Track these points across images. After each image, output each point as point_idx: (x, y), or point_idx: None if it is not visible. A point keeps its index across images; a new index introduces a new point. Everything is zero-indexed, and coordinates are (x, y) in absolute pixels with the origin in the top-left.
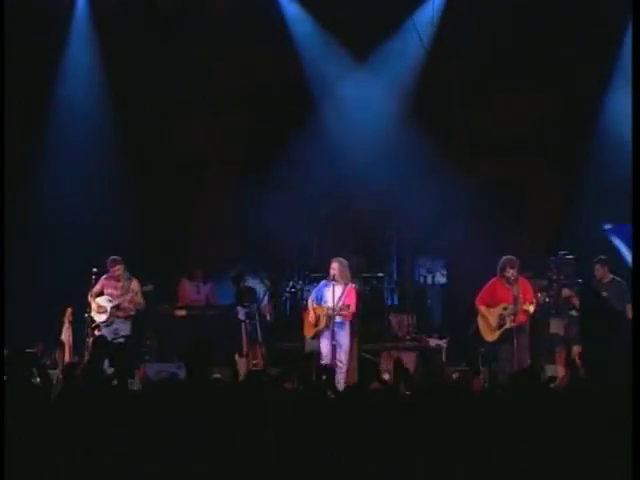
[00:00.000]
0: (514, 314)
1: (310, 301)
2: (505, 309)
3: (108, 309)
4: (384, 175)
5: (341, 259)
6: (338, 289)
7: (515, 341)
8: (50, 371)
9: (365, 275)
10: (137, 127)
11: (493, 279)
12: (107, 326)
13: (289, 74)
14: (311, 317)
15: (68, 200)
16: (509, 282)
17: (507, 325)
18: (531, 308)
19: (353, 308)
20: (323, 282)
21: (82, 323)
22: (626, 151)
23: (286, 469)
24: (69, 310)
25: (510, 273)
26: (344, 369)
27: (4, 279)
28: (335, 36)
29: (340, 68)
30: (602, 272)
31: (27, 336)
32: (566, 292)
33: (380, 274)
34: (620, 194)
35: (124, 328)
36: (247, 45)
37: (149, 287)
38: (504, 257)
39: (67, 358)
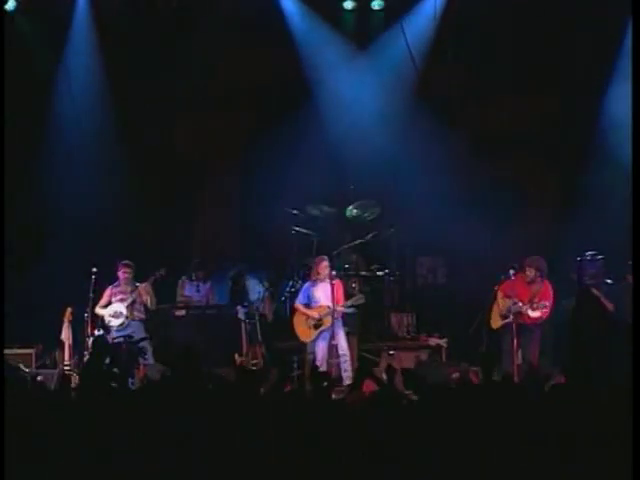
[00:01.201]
0: (520, 313)
1: (299, 305)
2: (515, 304)
3: (124, 311)
4: (384, 174)
5: (325, 257)
6: (328, 287)
7: (516, 339)
8: (50, 371)
9: (365, 274)
10: (137, 127)
11: (520, 274)
12: (121, 330)
13: (289, 73)
14: (310, 320)
15: (68, 200)
16: (531, 281)
17: (509, 320)
18: (535, 314)
19: (342, 307)
20: (307, 284)
21: (82, 323)
22: (626, 151)
23: (286, 469)
24: (69, 310)
25: (529, 272)
26: (348, 362)
27: (4, 279)
28: (335, 32)
29: (340, 67)
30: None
31: (27, 336)
32: (593, 293)
33: (380, 273)
34: (620, 194)
35: (138, 331)
36: (247, 45)
37: (161, 271)
38: (531, 256)
39: (67, 358)
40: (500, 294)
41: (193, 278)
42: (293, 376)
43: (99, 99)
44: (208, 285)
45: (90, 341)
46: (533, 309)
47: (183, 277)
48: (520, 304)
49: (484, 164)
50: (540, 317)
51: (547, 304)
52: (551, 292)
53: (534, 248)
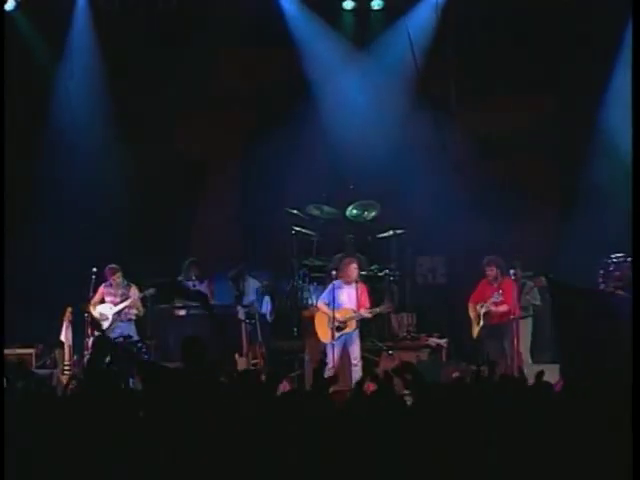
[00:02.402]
0: (488, 313)
1: (323, 305)
2: (481, 307)
3: (110, 316)
4: (384, 174)
5: (355, 259)
6: (353, 290)
7: (494, 340)
8: (50, 371)
9: (365, 274)
10: (137, 127)
11: (483, 279)
12: (109, 332)
13: (289, 73)
14: (330, 321)
15: (68, 200)
16: (494, 280)
17: (481, 323)
18: (502, 308)
19: (369, 313)
20: (335, 283)
21: (82, 323)
22: (626, 150)
23: (287, 469)
24: (69, 310)
25: (490, 272)
26: (359, 368)
27: (4, 279)
28: (334, 32)
29: (340, 67)
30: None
31: (27, 336)
32: (619, 294)
33: (380, 273)
34: (620, 194)
35: (128, 330)
36: (247, 45)
37: (150, 291)
38: (488, 256)
39: (67, 358)
40: (471, 305)
41: (192, 278)
42: (293, 376)
43: (99, 99)
44: (204, 284)
45: (91, 341)
46: (496, 304)
47: (180, 277)
48: (487, 305)
49: (484, 164)
50: (509, 310)
51: (508, 296)
52: (513, 286)
53: (534, 248)
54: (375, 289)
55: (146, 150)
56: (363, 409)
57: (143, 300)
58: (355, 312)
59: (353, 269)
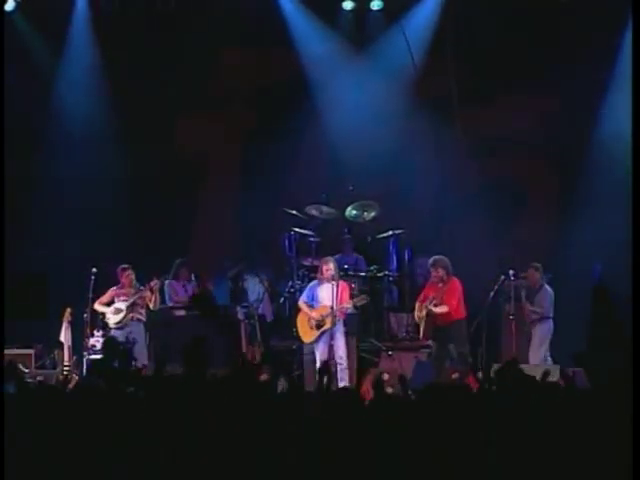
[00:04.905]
0: (429, 314)
1: (303, 304)
2: (424, 308)
3: (124, 309)
4: (384, 175)
5: (332, 258)
6: (332, 288)
7: (438, 342)
8: (50, 371)
9: (364, 275)
10: (137, 127)
11: (430, 280)
12: (120, 329)
13: (289, 73)
14: (312, 320)
15: (68, 200)
16: (439, 281)
17: (423, 324)
18: (439, 309)
19: (349, 304)
20: (313, 282)
21: (82, 323)
22: (626, 150)
23: (285, 470)
24: (68, 310)
25: (435, 273)
26: (344, 366)
27: (4, 278)
28: (334, 32)
29: (339, 67)
30: (534, 277)
31: (27, 336)
32: None
33: (379, 274)
34: (620, 194)
35: (137, 331)
36: (247, 45)
37: (155, 282)
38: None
39: (66, 359)
40: (417, 305)
41: (179, 278)
42: (293, 376)
43: (99, 99)
44: (193, 284)
45: (101, 341)
46: (436, 305)
47: (168, 279)
48: (424, 305)
49: (484, 164)
50: (448, 312)
51: (451, 297)
52: (458, 288)
53: (534, 248)
54: (374, 290)
55: (146, 150)
56: (363, 410)
57: (160, 287)
58: (332, 308)
59: (326, 269)
